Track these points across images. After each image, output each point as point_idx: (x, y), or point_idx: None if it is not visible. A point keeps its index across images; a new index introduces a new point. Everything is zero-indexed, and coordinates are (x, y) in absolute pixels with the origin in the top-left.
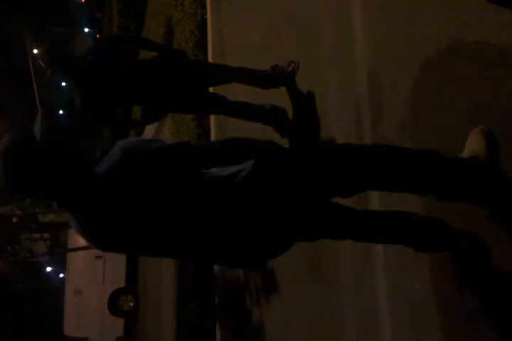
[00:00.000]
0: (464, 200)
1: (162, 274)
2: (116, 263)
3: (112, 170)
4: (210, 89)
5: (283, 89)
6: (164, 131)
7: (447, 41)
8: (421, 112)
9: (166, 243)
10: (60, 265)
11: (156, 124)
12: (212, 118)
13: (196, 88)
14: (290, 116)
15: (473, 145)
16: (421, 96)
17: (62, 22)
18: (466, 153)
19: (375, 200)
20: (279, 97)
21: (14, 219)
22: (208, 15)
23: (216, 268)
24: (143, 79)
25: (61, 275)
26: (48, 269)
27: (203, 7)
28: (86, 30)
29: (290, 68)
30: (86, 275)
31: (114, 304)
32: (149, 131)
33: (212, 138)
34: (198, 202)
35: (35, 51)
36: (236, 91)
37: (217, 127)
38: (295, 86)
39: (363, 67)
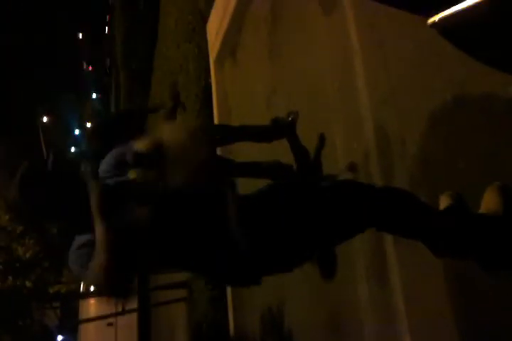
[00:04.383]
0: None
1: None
2: (128, 330)
3: None
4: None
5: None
6: None
7: (452, 93)
8: (431, 165)
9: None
10: (72, 333)
11: None
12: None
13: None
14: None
15: (489, 202)
16: (430, 150)
17: (71, 89)
18: (482, 211)
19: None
20: (285, 153)
21: (25, 291)
22: (212, 79)
23: (232, 332)
24: None
25: None
26: (59, 338)
27: (207, 71)
28: (94, 96)
29: (290, 118)
30: None
31: None
32: None
33: None
34: None
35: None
36: (242, 149)
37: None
38: (296, 137)
39: (370, 122)
